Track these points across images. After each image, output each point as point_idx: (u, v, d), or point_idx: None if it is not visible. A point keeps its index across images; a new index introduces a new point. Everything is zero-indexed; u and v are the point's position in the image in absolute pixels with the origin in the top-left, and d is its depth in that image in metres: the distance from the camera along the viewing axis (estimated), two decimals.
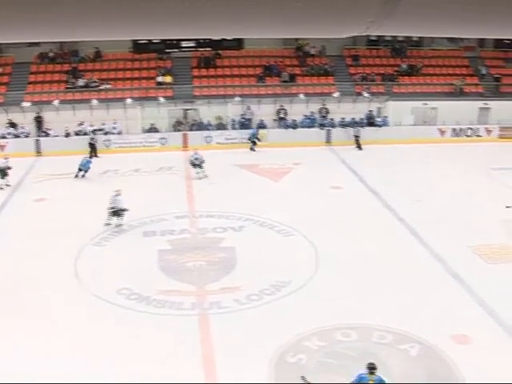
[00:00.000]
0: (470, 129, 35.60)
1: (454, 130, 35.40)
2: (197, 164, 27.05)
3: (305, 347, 13.93)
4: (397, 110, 35.33)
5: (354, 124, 34.03)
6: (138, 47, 36.21)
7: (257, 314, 15.58)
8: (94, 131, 32.47)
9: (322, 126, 34.27)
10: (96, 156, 30.65)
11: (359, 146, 33.14)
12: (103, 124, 33.15)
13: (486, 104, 36.42)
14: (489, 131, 35.69)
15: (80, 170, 27.28)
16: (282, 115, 34.73)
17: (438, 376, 12.88)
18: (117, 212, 21.01)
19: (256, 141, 31.55)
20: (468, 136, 35.48)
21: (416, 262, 18.35)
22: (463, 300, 16.11)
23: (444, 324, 14.78)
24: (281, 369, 13.21)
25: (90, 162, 27.74)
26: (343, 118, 34.48)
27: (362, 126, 33.92)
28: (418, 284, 16.91)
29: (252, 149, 31.90)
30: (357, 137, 33.20)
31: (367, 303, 15.85)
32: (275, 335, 14.38)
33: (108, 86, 34.98)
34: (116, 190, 21.39)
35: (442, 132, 35.26)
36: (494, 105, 36.24)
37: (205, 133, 33.47)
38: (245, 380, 12.67)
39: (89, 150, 31.02)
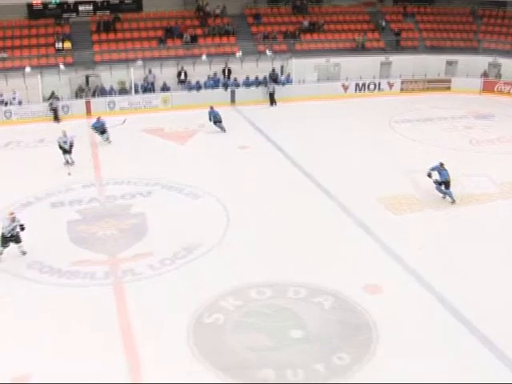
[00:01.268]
0: (373, 83, 36.26)
1: (357, 85, 35.96)
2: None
3: (221, 307, 14.05)
4: (300, 67, 35.52)
5: (267, 82, 34.08)
6: (34, 13, 34.84)
7: (171, 278, 15.56)
8: None
9: (225, 86, 34.09)
10: None
11: (274, 102, 33.26)
12: (1, 95, 31.84)
13: (387, 58, 37.16)
14: (391, 85, 36.46)
15: None
16: (183, 77, 34.33)
17: (352, 326, 13.27)
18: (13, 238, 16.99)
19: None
20: (371, 90, 36.15)
21: (325, 216, 18.73)
22: (373, 251, 16.59)
23: (355, 275, 15.24)
24: (199, 331, 13.27)
25: None
26: (247, 77, 34.43)
27: (266, 85, 33.95)
28: (328, 237, 17.29)
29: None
30: (271, 94, 33.27)
31: (280, 260, 16.09)
32: (191, 298, 14.45)
33: (5, 55, 33.53)
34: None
35: (346, 87, 35.76)
36: (395, 59, 37.06)
37: (108, 98, 32.69)
38: (165, 346, 12.74)
39: None
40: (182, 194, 20.82)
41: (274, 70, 35.11)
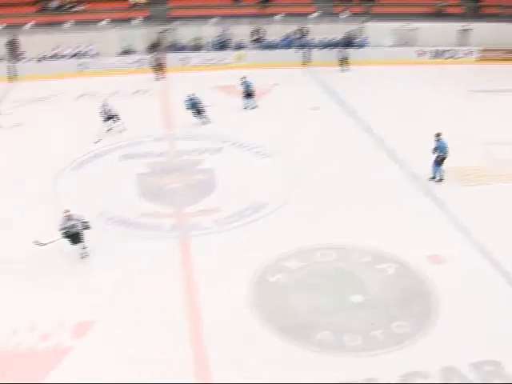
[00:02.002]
0: (450, 51, 35.23)
1: (434, 51, 35.00)
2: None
3: (284, 267, 14.10)
4: (376, 30, 34.78)
5: (341, 45, 33.46)
6: None
7: (236, 234, 15.68)
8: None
9: (300, 46, 33.72)
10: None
11: (346, 67, 32.67)
12: (78, 47, 32.37)
13: (466, 25, 35.95)
14: (469, 53, 35.34)
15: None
16: (258, 36, 34.10)
17: (413, 295, 13.12)
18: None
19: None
20: (448, 58, 35.15)
21: (393, 184, 18.42)
22: (439, 221, 16.25)
23: (420, 245, 14.97)
24: (261, 288, 13.39)
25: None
26: (322, 39, 33.95)
27: (342, 48, 33.35)
28: (395, 205, 17.02)
29: None
30: (344, 58, 32.62)
31: (346, 224, 15.98)
32: (255, 256, 14.52)
33: (82, 8, 34.00)
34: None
35: (422, 54, 34.89)
36: (475, 26, 35.77)
37: (181, 55, 32.82)
38: (225, 301, 12.91)
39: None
40: (251, 153, 20.85)
41: (349, 32, 34.51)
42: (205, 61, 32.83)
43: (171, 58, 32.14)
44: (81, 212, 15.00)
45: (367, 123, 23.58)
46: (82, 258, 14.61)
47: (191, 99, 23.37)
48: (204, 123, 23.57)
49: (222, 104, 25.97)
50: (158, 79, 30.62)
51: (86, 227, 14.59)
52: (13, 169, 20.03)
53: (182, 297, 13.24)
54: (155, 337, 12.01)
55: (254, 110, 25.62)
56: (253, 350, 11.66)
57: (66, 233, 14.32)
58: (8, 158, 20.94)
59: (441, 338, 11.78)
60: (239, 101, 25.85)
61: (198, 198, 17.63)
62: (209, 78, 29.70)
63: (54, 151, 21.20)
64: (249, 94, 25.65)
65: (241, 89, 25.73)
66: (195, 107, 23.36)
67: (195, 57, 32.89)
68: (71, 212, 14.41)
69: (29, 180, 19.02)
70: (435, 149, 18.12)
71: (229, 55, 33.11)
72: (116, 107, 22.89)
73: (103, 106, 22.79)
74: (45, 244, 14.03)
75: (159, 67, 30.92)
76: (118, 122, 22.80)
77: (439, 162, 18.31)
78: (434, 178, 18.48)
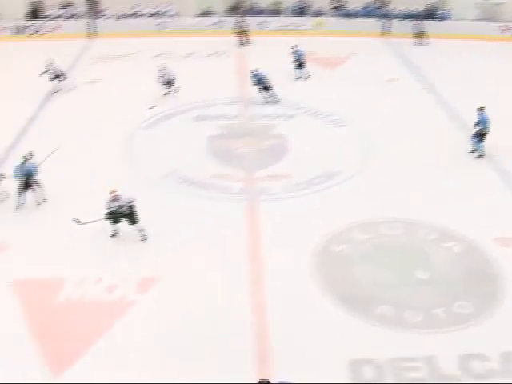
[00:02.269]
0: None
1: None
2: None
3: (350, 238, 14.07)
4: (460, 3, 33.72)
5: (421, 17, 32.53)
6: None
7: (305, 202, 15.69)
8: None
9: (380, 16, 33.06)
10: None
11: (422, 39, 31.76)
12: (156, 7, 32.60)
13: None
14: None
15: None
16: (338, 3, 33.59)
17: (478, 275, 12.91)
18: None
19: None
20: None
21: (466, 163, 17.99)
22: (509, 202, 15.90)
23: (489, 225, 14.61)
24: (325, 257, 13.42)
25: None
26: (405, 9, 33.13)
27: (422, 19, 32.44)
28: (465, 183, 16.66)
29: None
30: (420, 32, 31.76)
31: (416, 199, 15.76)
32: (321, 224, 14.53)
33: None
34: None
35: (506, 30, 33.65)
36: None
37: (259, 19, 32.64)
38: (288, 267, 12.99)
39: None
40: (325, 121, 20.70)
41: (431, 4, 33.57)
42: (283, 26, 32.58)
43: (249, 21, 32.00)
44: (151, 171, 15.33)
45: (443, 99, 23.00)
46: (142, 240, 14.12)
47: (256, 75, 22.24)
48: (270, 102, 22.27)
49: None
50: (242, 44, 30.38)
51: (132, 211, 13.89)
52: (86, 125, 20.47)
53: (245, 260, 13.39)
54: (215, 298, 12.20)
55: (331, 78, 25.30)
56: (312, 318, 11.72)
57: (110, 213, 13.81)
58: (82, 114, 21.43)
59: (504, 322, 11.55)
60: (315, 67, 25.61)
61: (268, 163, 17.70)
62: (286, 43, 29.42)
63: (128, 109, 21.55)
64: (300, 64, 25.07)
65: (292, 58, 25.13)
66: (261, 83, 22.21)
67: (273, 21, 32.68)
68: (118, 192, 13.78)
69: (102, 137, 19.49)
70: (477, 123, 17.68)
71: (307, 21, 32.75)
72: (174, 72, 22.74)
73: (162, 70, 22.68)
74: (84, 223, 13.82)
75: (243, 32, 30.70)
76: (174, 87, 22.66)
77: (480, 136, 17.86)
78: (473, 151, 18.09)
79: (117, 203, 13.69)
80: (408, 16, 32.70)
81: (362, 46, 29.45)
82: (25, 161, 15.51)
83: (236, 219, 14.91)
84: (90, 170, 17.42)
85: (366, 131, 19.71)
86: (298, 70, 25.02)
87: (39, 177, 15.76)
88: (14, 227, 14.88)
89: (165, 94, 22.54)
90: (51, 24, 32.00)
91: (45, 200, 16.04)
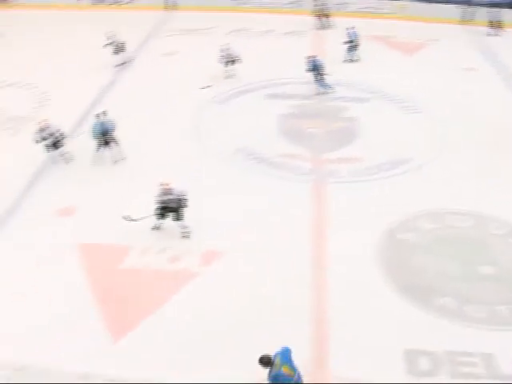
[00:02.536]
0: None
1: None
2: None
3: (416, 227, 13.88)
4: None
5: (499, 5, 31.39)
6: None
7: (372, 187, 15.52)
8: None
9: (463, 3, 32.06)
10: None
11: (499, 30, 30.64)
12: None
13: None
14: None
15: None
16: None
17: None
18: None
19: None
20: None
21: None
22: None
23: None
24: (389, 244, 13.29)
25: None
26: None
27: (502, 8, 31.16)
28: None
29: None
30: (497, 20, 30.65)
31: (488, 192, 15.33)
32: (387, 210, 14.38)
33: None
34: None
35: None
36: None
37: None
38: (351, 251, 12.90)
39: None
40: (399, 107, 20.32)
41: None
42: (363, 8, 32.04)
43: (328, 2, 31.56)
44: (221, 146, 15.35)
45: None
46: (183, 237, 13.61)
47: (313, 61, 21.10)
48: (321, 93, 21.16)
49: (376, 54, 25.30)
50: (322, 26, 29.61)
51: (183, 205, 13.30)
52: (159, 98, 20.71)
53: (308, 241, 13.40)
54: (276, 276, 12.28)
55: (409, 63, 24.78)
56: (372, 304, 11.65)
57: (160, 206, 13.34)
58: (156, 87, 21.63)
59: None
60: (392, 52, 25.19)
61: (338, 145, 17.56)
62: (365, 25, 28.90)
63: (201, 84, 21.64)
64: (353, 46, 24.32)
65: (346, 39, 24.30)
66: (317, 70, 20.99)
67: (353, 3, 32.15)
68: (171, 186, 13.24)
69: (174, 110, 19.70)
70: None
71: (389, 4, 32.09)
72: (237, 52, 22.23)
73: (225, 49, 22.20)
74: (136, 220, 13.51)
75: (323, 14, 30.13)
76: (234, 66, 22.17)
77: None
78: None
79: (168, 196, 13.17)
80: (492, 4, 31.59)
81: (442, 32, 28.65)
82: (99, 118, 16.20)
83: (302, 200, 14.90)
84: (160, 142, 17.71)
85: (441, 119, 19.26)
86: (349, 52, 24.27)
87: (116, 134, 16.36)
88: (83, 191, 15.34)
89: (226, 75, 22.23)
90: None
91: (123, 158, 16.65)
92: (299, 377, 9.09)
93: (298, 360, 9.20)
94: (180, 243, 13.22)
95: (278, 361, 8.98)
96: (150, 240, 13.44)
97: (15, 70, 23.22)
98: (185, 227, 13.54)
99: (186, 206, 13.27)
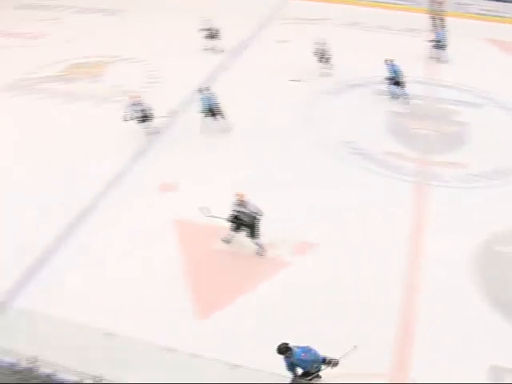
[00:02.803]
0: None
1: None
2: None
3: None
4: None
5: None
6: None
7: (475, 195, 15.17)
8: None
9: None
10: None
11: None
12: None
13: None
14: None
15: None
16: None
17: None
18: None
19: None
20: None
21: None
22: None
23: None
24: (487, 255, 12.99)
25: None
26: None
27: None
28: None
29: None
30: None
31: None
32: (489, 220, 14.03)
33: None
34: None
35: None
36: None
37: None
38: (447, 257, 12.72)
39: None
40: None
41: None
42: (483, 10, 31.14)
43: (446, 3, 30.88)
44: (328, 136, 15.37)
45: None
46: (257, 254, 12.91)
47: (392, 65, 20.05)
48: (395, 98, 20.19)
49: (493, 59, 24.54)
50: (435, 26, 29.07)
51: (256, 223, 12.61)
52: (269, 85, 20.96)
53: (405, 240, 13.32)
54: (369, 273, 12.28)
55: None
56: (462, 314, 11.44)
57: (234, 215, 12.66)
58: (267, 73, 21.86)
59: None
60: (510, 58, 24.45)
61: (445, 148, 17.25)
62: (484, 28, 28.12)
63: (310, 74, 21.66)
64: (441, 46, 23.56)
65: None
66: (395, 75, 19.95)
67: (474, 4, 31.29)
68: (246, 198, 12.56)
69: (283, 97, 19.95)
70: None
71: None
72: (331, 49, 21.82)
73: (320, 43, 21.83)
74: (210, 216, 12.88)
75: (438, 14, 29.40)
76: (328, 64, 21.82)
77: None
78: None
79: (241, 209, 12.53)
80: None
81: None
82: (203, 93, 17.32)
83: (403, 199, 14.80)
84: (266, 127, 17.98)
85: None
86: (435, 50, 23.49)
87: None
88: (184, 167, 15.94)
89: (321, 71, 21.89)
90: None
91: (229, 128, 17.48)
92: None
93: (377, 361, 9.11)
94: (276, 231, 13.33)
95: (296, 349, 9.13)
96: None
97: (129, 46, 24.01)
98: (261, 245, 12.89)
99: (258, 225, 12.59)
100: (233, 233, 12.93)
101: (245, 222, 12.58)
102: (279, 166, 15.89)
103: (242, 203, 12.49)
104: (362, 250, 12.92)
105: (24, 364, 9.61)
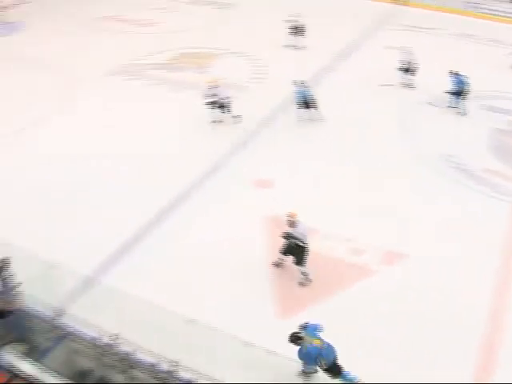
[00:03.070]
0: None
1: None
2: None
3: None
4: None
5: None
6: None
7: None
8: None
9: None
10: None
11: None
12: None
13: None
14: None
15: None
16: None
17: None
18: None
19: None
20: None
21: None
22: None
23: None
24: None
25: None
26: None
27: None
28: None
29: None
30: None
31: None
32: None
33: None
34: None
35: None
36: None
37: None
38: None
39: None
40: None
41: None
42: None
43: None
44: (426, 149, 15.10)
45: None
46: (300, 284, 12.21)
47: (456, 76, 19.40)
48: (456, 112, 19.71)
49: None
50: None
51: (299, 250, 11.93)
52: (372, 89, 20.91)
53: (496, 261, 12.96)
54: (455, 289, 12.04)
55: None
56: None
57: (285, 236, 11.99)
58: (365, 77, 21.79)
59: None
60: None
61: None
62: None
63: (412, 83, 21.33)
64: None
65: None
66: (459, 85, 19.27)
67: None
68: (297, 219, 11.84)
69: (384, 104, 19.91)
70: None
71: None
72: (417, 61, 21.10)
73: (407, 53, 21.22)
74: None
75: None
76: (413, 76, 21.17)
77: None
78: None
79: (291, 229, 11.82)
80: None
81: None
82: (299, 87, 18.08)
83: (499, 217, 14.45)
84: (363, 133, 18.02)
85: None
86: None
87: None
88: (279, 163, 16.20)
89: (403, 83, 21.43)
90: None
91: (322, 119, 18.13)
92: (328, 345, 9.40)
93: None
94: (365, 237, 13.33)
95: (307, 337, 9.32)
96: (337, 226, 13.69)
97: (238, 40, 24.42)
98: (305, 274, 12.17)
99: (303, 252, 11.90)
100: (282, 256, 12.37)
101: (292, 244, 11.97)
102: (375, 173, 15.88)
103: (292, 224, 11.78)
104: (452, 265, 12.72)
105: (106, 339, 9.93)
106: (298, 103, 18.16)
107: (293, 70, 21.24)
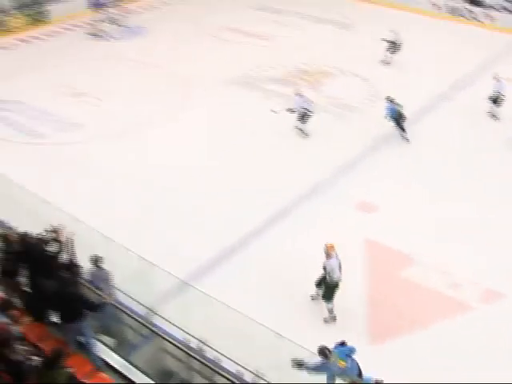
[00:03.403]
0: None
1: None
2: None
3: None
4: None
5: None
6: None
7: None
8: None
9: None
10: None
11: None
12: None
13: None
14: None
15: None
16: None
17: None
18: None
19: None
20: None
21: None
22: None
23: None
24: None
25: None
26: None
27: None
28: None
29: None
30: None
31: None
32: None
33: None
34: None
35: None
36: None
37: None
38: None
39: None
40: None
41: None
42: None
43: None
44: None
45: None
46: (325, 321, 11.73)
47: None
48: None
49: None
50: None
51: (326, 286, 11.52)
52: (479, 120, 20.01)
53: None
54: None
55: None
56: None
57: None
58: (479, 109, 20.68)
59: None
60: None
61: None
62: None
63: None
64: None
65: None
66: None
67: None
68: (332, 252, 11.41)
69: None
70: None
71: None
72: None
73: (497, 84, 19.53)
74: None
75: None
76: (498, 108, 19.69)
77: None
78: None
79: (326, 261, 11.45)
80: None
81: None
82: (390, 103, 18.14)
83: None
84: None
85: None
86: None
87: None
88: (384, 187, 15.97)
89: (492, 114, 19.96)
90: None
91: (408, 140, 18.11)
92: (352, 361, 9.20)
93: None
94: (464, 270, 12.93)
95: (334, 356, 9.11)
96: (436, 258, 13.37)
97: (353, 60, 24.35)
98: (330, 311, 11.69)
99: (330, 288, 11.44)
100: (316, 288, 11.96)
101: (323, 275, 11.53)
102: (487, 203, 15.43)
103: (328, 254, 11.36)
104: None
105: (194, 344, 10.02)
106: (389, 118, 18.09)
107: (411, 95, 20.76)
